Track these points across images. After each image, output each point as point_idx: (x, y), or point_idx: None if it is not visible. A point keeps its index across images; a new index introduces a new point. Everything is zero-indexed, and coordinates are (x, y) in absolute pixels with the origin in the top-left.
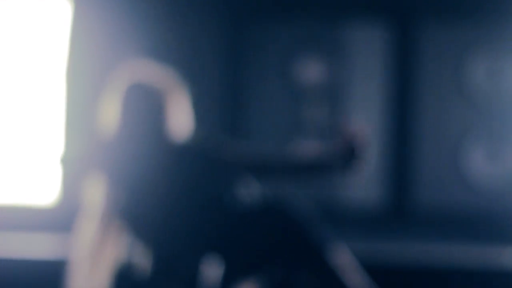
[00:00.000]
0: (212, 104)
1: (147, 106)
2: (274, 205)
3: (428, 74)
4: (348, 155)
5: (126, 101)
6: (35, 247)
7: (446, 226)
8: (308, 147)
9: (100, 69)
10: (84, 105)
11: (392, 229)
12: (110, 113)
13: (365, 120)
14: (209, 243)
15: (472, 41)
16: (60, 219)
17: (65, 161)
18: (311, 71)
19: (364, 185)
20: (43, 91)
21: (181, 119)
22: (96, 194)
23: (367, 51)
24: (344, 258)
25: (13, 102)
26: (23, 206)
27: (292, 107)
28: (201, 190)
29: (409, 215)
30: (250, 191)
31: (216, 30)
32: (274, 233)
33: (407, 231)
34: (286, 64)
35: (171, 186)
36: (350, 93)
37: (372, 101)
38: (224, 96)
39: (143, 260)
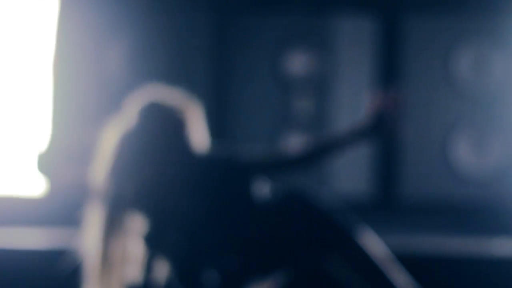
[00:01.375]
0: (201, 97)
1: (169, 123)
2: (298, 197)
3: (415, 65)
4: (381, 124)
5: (147, 119)
6: (23, 238)
7: (434, 217)
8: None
9: (87, 64)
10: (71, 97)
11: (379, 220)
12: (127, 133)
13: (353, 111)
14: (237, 246)
15: (459, 32)
16: (48, 210)
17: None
18: (299, 62)
19: (351, 176)
20: (31, 84)
21: (200, 134)
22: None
23: (355, 43)
24: (371, 241)
25: (0, 95)
26: (11, 197)
27: (281, 99)
28: (228, 197)
29: (397, 206)
30: (268, 188)
31: (203, 23)
32: (302, 223)
33: (395, 222)
34: (274, 56)
35: (199, 199)
36: (338, 84)
37: (359, 92)
38: (213, 89)
39: (160, 274)
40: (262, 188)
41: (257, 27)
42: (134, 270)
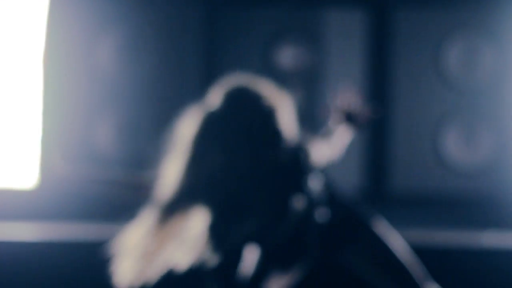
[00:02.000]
0: (192, 90)
1: (258, 109)
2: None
3: (405, 57)
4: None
5: (236, 103)
6: (15, 230)
7: (424, 209)
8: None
9: (78, 58)
10: (62, 91)
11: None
12: (213, 117)
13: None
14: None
15: (449, 24)
16: (39, 202)
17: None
18: (289, 55)
19: (342, 169)
20: (21, 77)
21: (289, 125)
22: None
23: (345, 35)
24: (388, 233)
25: None
26: (2, 189)
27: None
28: (292, 193)
29: (387, 198)
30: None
31: (194, 16)
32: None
33: (385, 215)
34: (264, 48)
35: (274, 191)
36: (328, 76)
37: (350, 84)
38: (203, 82)
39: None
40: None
41: (248, 20)
42: (184, 254)
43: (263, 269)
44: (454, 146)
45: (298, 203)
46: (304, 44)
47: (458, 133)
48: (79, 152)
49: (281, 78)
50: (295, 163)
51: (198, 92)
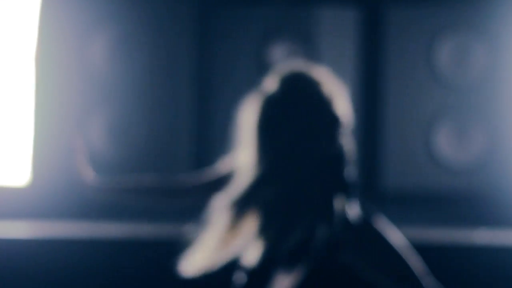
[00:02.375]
0: (184, 88)
1: (316, 95)
2: None
3: (397, 55)
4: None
5: (294, 87)
6: (6, 228)
7: (416, 207)
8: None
9: (70, 57)
10: (54, 89)
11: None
12: (272, 102)
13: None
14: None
15: (441, 21)
16: (32, 200)
17: None
18: (281, 53)
19: None
20: (13, 76)
21: (344, 114)
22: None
23: (337, 32)
24: (388, 229)
25: None
26: None
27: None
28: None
29: (379, 195)
30: None
31: (186, 14)
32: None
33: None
34: (257, 46)
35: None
36: None
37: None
38: (196, 80)
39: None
40: None
41: (240, 19)
42: (246, 243)
43: (267, 268)
44: (446, 144)
45: (341, 202)
46: (297, 42)
47: (450, 131)
48: (71, 151)
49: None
50: (344, 157)
51: (190, 91)
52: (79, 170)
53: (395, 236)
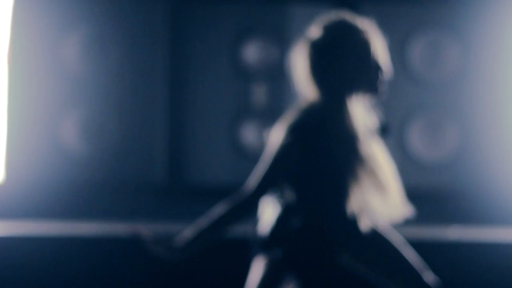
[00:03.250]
0: (158, 86)
1: (360, 40)
2: None
3: None
4: None
5: (340, 32)
6: None
7: None
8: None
9: (42, 55)
10: (27, 87)
11: None
12: (319, 46)
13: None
14: None
15: (415, 20)
16: (5, 199)
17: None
18: (255, 51)
19: None
20: None
21: (384, 61)
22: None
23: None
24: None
25: None
26: None
27: (237, 87)
28: None
29: None
30: None
31: (159, 12)
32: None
33: None
34: (230, 44)
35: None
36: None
37: None
38: (169, 77)
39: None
40: None
41: (213, 16)
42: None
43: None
44: (419, 141)
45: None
46: (270, 40)
47: (423, 128)
48: (45, 150)
49: (247, 74)
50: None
51: (164, 89)
52: (159, 251)
53: (392, 232)
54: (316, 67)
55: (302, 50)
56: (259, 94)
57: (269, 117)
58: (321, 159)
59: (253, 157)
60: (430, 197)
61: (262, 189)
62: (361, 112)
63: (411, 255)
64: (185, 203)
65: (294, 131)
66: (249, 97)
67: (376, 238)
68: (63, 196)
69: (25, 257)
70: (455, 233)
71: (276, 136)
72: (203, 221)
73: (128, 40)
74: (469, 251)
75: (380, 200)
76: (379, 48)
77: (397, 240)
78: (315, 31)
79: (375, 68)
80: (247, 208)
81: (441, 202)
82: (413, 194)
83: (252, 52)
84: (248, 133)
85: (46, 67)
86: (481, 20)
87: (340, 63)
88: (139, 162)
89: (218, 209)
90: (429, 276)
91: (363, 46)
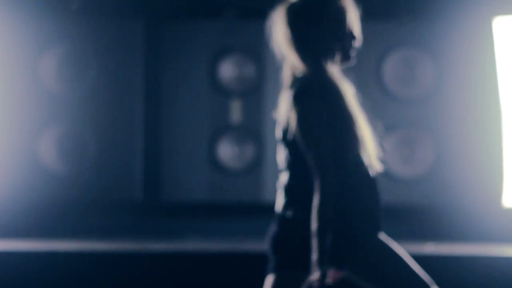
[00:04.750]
0: (134, 103)
1: (337, 5)
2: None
3: (347, 69)
4: None
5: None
6: None
7: None
8: None
9: (20, 75)
10: (4, 105)
11: None
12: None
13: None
14: None
15: (390, 36)
16: None
17: None
18: (233, 68)
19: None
20: None
21: (356, 28)
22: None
23: None
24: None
25: None
26: None
27: (216, 104)
28: None
29: None
30: None
31: (135, 30)
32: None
33: None
34: (206, 59)
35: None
36: (270, 88)
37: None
38: (146, 95)
39: None
40: None
41: (189, 33)
42: None
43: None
44: (394, 157)
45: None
46: (247, 57)
47: (398, 144)
48: (22, 167)
49: (224, 90)
50: None
51: (141, 106)
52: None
53: (397, 246)
54: (293, 32)
55: (280, 14)
56: (236, 110)
57: (246, 133)
58: (336, 114)
59: (230, 174)
60: (405, 213)
61: (330, 169)
62: (339, 75)
63: (418, 268)
64: (162, 220)
65: (308, 97)
66: (226, 114)
67: (381, 247)
68: (40, 213)
69: (2, 274)
70: (430, 249)
71: (294, 112)
72: (326, 240)
73: (105, 58)
74: (443, 265)
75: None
76: (354, 16)
77: (403, 251)
78: None
79: (349, 36)
80: (337, 193)
81: (415, 218)
82: (388, 209)
83: (229, 69)
84: (225, 150)
85: (23, 85)
86: (454, 38)
87: (316, 28)
88: (116, 179)
89: (324, 221)
90: None
91: (339, 13)
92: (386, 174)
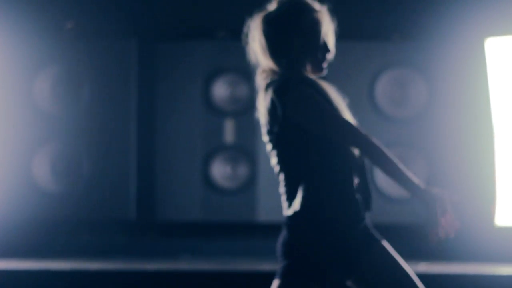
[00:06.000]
0: (128, 123)
1: (308, 16)
2: None
3: (340, 88)
4: None
5: (286, 6)
6: None
7: None
8: None
9: (14, 94)
10: None
11: None
12: (269, 17)
13: None
14: None
15: (382, 57)
16: None
17: None
18: (226, 87)
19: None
20: None
21: (330, 42)
22: None
23: None
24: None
25: None
26: None
27: (209, 123)
28: None
29: None
30: None
31: (128, 51)
32: None
33: None
34: (202, 81)
35: None
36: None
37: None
38: (139, 116)
39: None
40: None
41: (183, 54)
42: None
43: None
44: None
45: None
46: (239, 76)
47: None
48: (16, 186)
49: (217, 110)
50: None
51: (134, 126)
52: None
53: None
54: (267, 40)
55: (256, 22)
56: (230, 130)
57: (239, 153)
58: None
59: (224, 193)
60: (397, 232)
61: (356, 128)
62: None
63: (418, 279)
64: (156, 239)
65: (294, 85)
66: (219, 134)
67: (385, 255)
68: (33, 232)
69: None
70: (422, 268)
71: (289, 103)
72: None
73: (99, 78)
74: (436, 284)
75: None
76: (328, 29)
77: (403, 261)
78: (271, 6)
79: (323, 48)
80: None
81: (408, 237)
82: (380, 228)
83: (222, 89)
84: (219, 169)
85: (17, 104)
86: (446, 59)
87: (290, 38)
88: (110, 198)
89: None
90: None
91: (314, 24)
92: (379, 193)
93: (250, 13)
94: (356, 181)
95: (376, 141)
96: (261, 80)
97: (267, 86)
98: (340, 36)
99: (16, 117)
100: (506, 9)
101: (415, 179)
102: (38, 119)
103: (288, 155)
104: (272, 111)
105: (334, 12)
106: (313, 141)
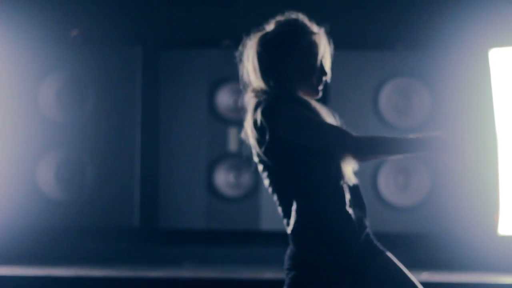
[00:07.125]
0: (132, 130)
1: (308, 37)
2: None
3: (344, 98)
4: None
5: (284, 27)
6: None
7: None
8: None
9: (19, 102)
10: (3, 131)
11: None
12: (266, 38)
13: None
14: None
15: (386, 67)
16: None
17: None
18: (231, 95)
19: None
20: None
21: (327, 64)
22: None
23: None
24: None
25: None
26: None
27: (214, 131)
28: None
29: None
30: None
31: (133, 58)
32: None
33: None
34: (206, 89)
35: None
36: None
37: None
38: (144, 123)
39: None
40: None
41: (188, 61)
42: None
43: None
44: (390, 186)
45: None
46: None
47: (394, 173)
48: (20, 193)
49: (221, 118)
50: None
51: (138, 133)
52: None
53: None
54: (261, 60)
55: (253, 42)
56: (234, 138)
57: (243, 161)
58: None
59: (227, 201)
60: (400, 241)
61: (348, 133)
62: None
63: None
64: (159, 247)
65: (282, 103)
66: (223, 142)
67: (388, 266)
68: (38, 239)
69: None
70: (425, 277)
71: (280, 121)
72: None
73: (103, 86)
74: None
75: None
76: (325, 51)
77: (407, 271)
78: (269, 26)
79: (320, 70)
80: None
81: (411, 246)
82: (383, 238)
83: (226, 97)
84: (223, 177)
85: (22, 111)
86: (450, 68)
87: (285, 60)
88: (113, 205)
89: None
90: None
91: (311, 47)
92: (381, 202)
93: (254, 22)
94: (348, 196)
95: (370, 135)
96: (249, 99)
97: (256, 106)
98: (345, 45)
99: (21, 124)
100: (510, 20)
101: (423, 137)
102: (43, 126)
103: (279, 175)
104: (260, 132)
105: (339, 22)
106: (301, 161)
